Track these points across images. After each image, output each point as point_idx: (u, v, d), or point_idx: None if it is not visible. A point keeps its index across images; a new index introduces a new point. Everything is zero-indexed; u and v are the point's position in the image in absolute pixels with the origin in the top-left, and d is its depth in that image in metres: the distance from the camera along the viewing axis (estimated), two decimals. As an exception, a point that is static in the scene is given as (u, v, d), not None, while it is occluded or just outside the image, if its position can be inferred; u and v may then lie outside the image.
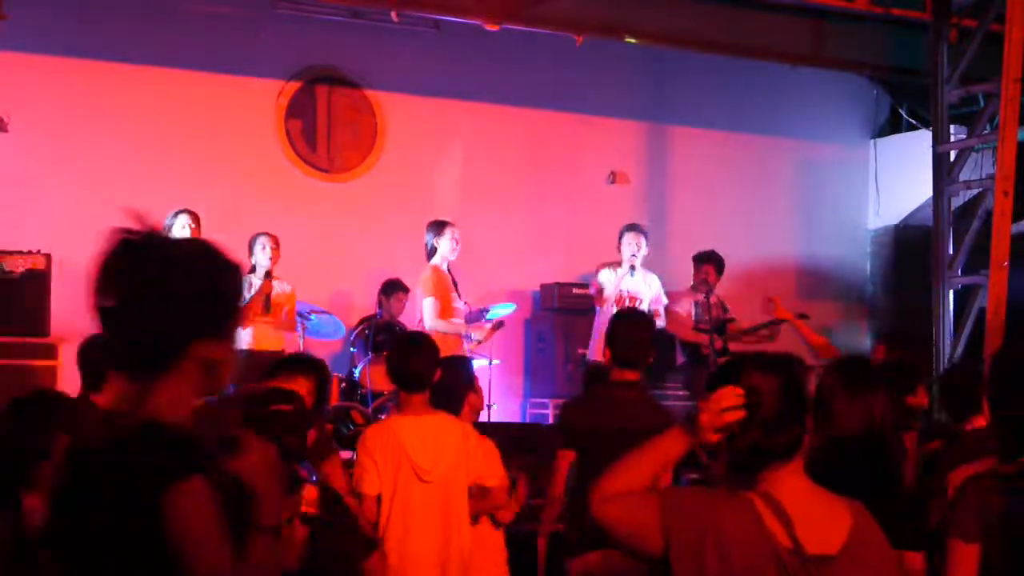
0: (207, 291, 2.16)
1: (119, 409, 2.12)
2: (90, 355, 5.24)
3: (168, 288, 2.11)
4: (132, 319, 2.13)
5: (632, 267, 8.76)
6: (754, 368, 2.43)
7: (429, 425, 4.65)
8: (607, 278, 8.80)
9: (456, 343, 8.38)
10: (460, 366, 5.33)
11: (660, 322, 8.53)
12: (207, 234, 9.06)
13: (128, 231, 2.18)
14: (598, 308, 8.80)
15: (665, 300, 8.97)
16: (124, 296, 2.13)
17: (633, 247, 8.82)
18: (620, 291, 8.74)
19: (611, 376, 4.98)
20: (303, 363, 4.94)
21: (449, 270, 8.57)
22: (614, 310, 8.65)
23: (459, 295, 8.56)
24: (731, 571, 2.28)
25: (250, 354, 8.16)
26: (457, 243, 8.52)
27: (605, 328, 8.67)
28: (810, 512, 2.34)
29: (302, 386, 4.69)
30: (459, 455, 4.64)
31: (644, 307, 8.70)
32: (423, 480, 4.57)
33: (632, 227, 8.97)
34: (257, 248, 8.42)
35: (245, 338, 8.29)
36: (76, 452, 2.14)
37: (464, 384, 5.08)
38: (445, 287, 8.44)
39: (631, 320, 5.35)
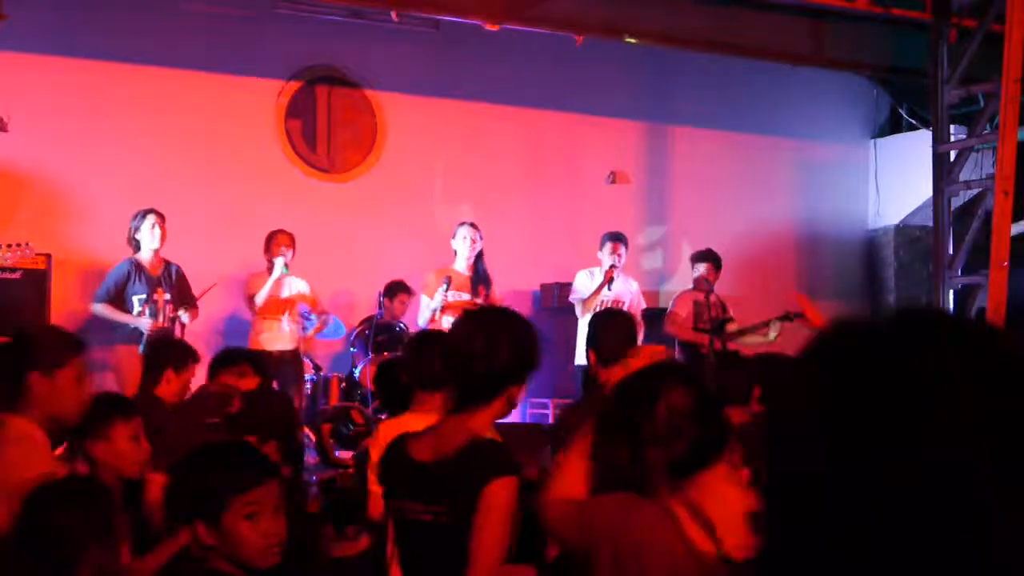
0: (527, 351, 3.03)
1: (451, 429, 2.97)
2: (154, 353, 5.73)
3: (504, 351, 2.96)
4: (482, 374, 2.97)
5: (611, 279, 8.85)
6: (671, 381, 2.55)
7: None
8: (585, 283, 8.88)
9: None
10: None
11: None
12: (208, 234, 9.07)
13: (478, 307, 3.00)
14: (581, 316, 8.85)
15: (643, 304, 9.07)
16: (477, 358, 2.96)
17: (615, 257, 8.92)
18: (604, 299, 8.85)
19: (598, 378, 4.93)
20: (244, 357, 5.07)
21: (476, 269, 8.62)
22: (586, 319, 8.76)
23: (478, 294, 8.58)
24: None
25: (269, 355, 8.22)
26: (465, 240, 8.60)
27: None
28: (736, 517, 2.31)
29: (252, 381, 4.75)
30: None
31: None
32: None
33: (615, 236, 9.04)
34: (272, 245, 8.51)
35: (260, 340, 8.34)
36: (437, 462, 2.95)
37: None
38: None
39: (611, 320, 5.30)
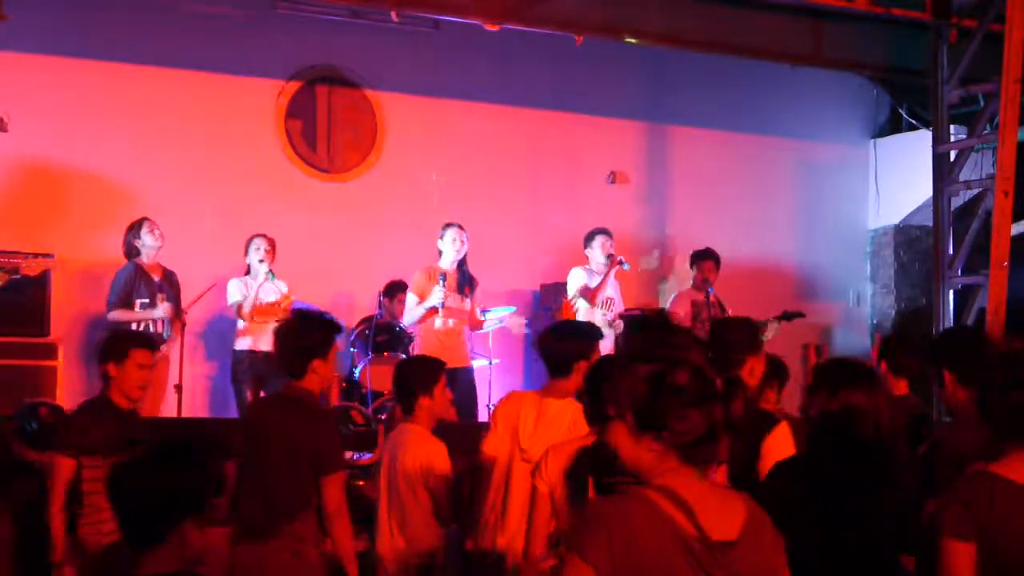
0: None
1: None
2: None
3: None
4: None
5: (621, 261, 8.91)
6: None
7: (550, 407, 4.57)
8: (584, 278, 8.90)
9: (456, 336, 8.39)
10: (418, 368, 5.23)
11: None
12: (208, 234, 9.08)
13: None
14: (588, 307, 8.83)
15: (622, 305, 9.06)
16: None
17: (608, 248, 8.97)
18: (600, 294, 8.87)
19: None
20: None
21: (462, 271, 8.57)
22: (594, 312, 8.77)
23: (464, 295, 8.54)
24: (641, 562, 2.31)
25: (252, 354, 8.21)
26: (455, 243, 8.51)
27: None
28: (707, 502, 2.38)
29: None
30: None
31: (616, 310, 8.93)
32: (524, 457, 4.52)
33: (602, 230, 9.07)
34: (252, 249, 8.45)
35: (247, 340, 8.33)
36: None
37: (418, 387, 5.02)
38: (428, 287, 8.44)
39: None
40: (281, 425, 4.49)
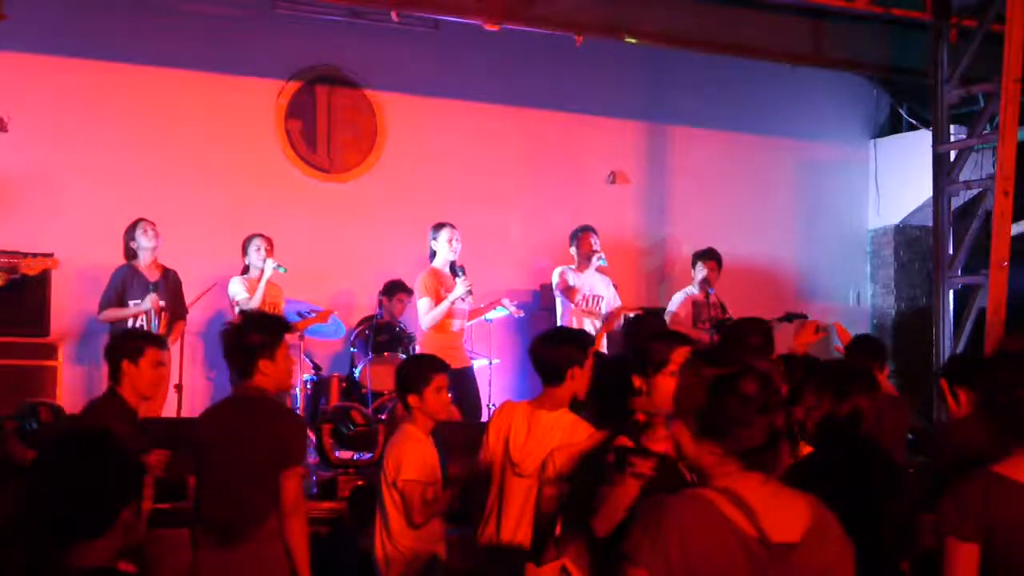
0: None
1: None
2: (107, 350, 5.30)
3: None
4: None
5: (600, 257, 8.94)
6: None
7: (542, 420, 4.51)
8: (559, 276, 8.91)
9: (457, 337, 8.40)
10: (411, 367, 5.16)
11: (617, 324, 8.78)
12: (208, 235, 9.07)
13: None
14: (571, 305, 8.83)
15: (618, 301, 9.04)
16: None
17: (590, 245, 8.99)
18: (584, 292, 8.87)
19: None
20: None
21: (454, 270, 8.54)
22: (574, 310, 8.79)
23: (465, 297, 8.52)
24: (699, 563, 2.30)
25: None
26: (452, 244, 8.50)
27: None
28: (770, 504, 2.37)
29: None
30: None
31: (604, 307, 8.90)
32: (516, 471, 4.47)
33: (584, 228, 9.08)
34: (251, 249, 8.45)
35: None
36: None
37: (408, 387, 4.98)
38: (440, 288, 8.42)
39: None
40: (234, 426, 4.40)
